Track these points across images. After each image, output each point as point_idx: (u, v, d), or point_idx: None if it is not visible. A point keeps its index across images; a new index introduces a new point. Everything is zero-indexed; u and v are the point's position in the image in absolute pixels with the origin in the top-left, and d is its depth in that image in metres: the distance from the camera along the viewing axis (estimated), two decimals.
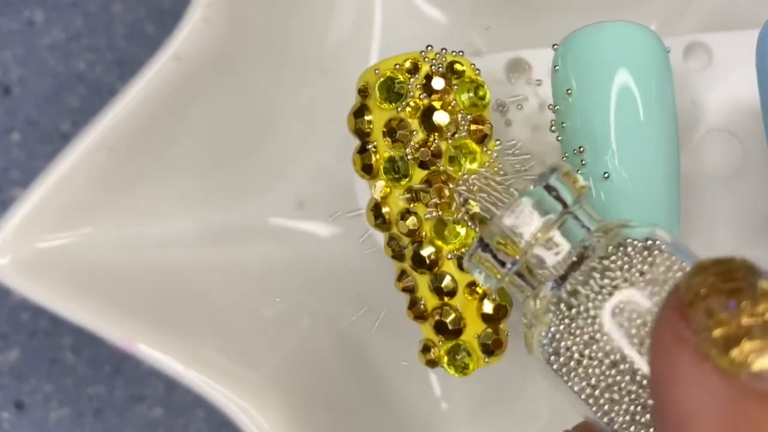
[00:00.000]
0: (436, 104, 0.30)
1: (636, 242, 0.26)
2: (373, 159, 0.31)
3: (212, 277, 0.35)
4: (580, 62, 0.30)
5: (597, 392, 0.25)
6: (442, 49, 0.31)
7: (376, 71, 0.30)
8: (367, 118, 0.31)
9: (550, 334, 0.26)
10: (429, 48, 0.31)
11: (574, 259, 0.26)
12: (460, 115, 0.30)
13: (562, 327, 0.26)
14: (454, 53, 0.31)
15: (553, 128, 0.30)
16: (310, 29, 0.37)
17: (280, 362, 0.34)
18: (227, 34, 0.34)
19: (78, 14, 0.41)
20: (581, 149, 0.30)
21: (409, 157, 0.30)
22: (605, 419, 0.26)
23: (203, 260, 0.35)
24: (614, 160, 0.29)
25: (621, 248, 0.26)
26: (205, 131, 0.35)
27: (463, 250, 0.30)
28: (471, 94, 0.30)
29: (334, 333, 0.36)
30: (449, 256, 0.31)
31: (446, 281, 0.31)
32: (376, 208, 0.31)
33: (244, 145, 0.36)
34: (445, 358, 0.31)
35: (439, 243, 0.31)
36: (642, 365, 0.25)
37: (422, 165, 0.30)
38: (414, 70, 0.30)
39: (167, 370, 0.32)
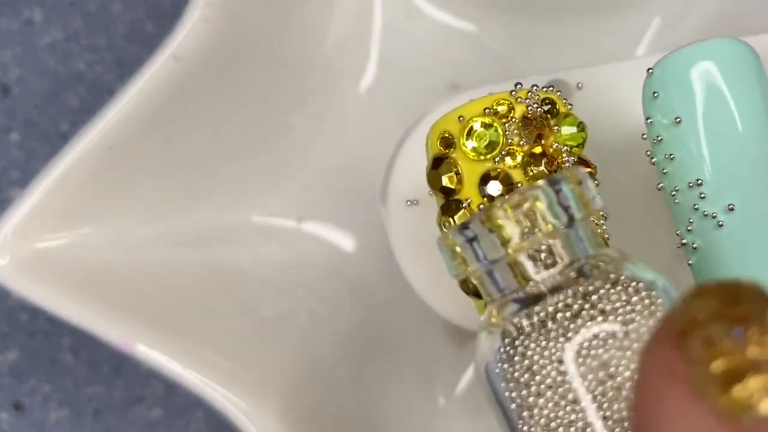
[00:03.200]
0: (537, 149, 0.27)
1: (638, 284, 0.24)
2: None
3: (212, 277, 0.35)
4: (685, 87, 0.27)
5: None
6: (533, 86, 0.28)
7: (460, 118, 0.27)
8: (454, 172, 0.27)
9: (502, 357, 0.24)
10: (518, 86, 0.28)
11: (572, 275, 0.24)
12: (565, 156, 0.27)
13: (519, 351, 0.24)
14: (545, 89, 0.28)
15: (654, 160, 0.28)
16: (310, 29, 0.37)
17: (280, 363, 0.34)
18: (226, 34, 0.34)
19: (77, 14, 0.41)
20: (699, 182, 0.27)
21: None
22: None
23: (203, 260, 0.35)
24: (739, 189, 0.27)
25: (622, 284, 0.24)
26: (205, 131, 0.35)
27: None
28: (574, 130, 0.28)
29: (334, 333, 0.36)
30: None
31: None
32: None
33: (243, 144, 0.36)
34: None
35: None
36: (595, 423, 0.23)
37: None
38: (508, 112, 0.27)
39: (166, 371, 0.32)
